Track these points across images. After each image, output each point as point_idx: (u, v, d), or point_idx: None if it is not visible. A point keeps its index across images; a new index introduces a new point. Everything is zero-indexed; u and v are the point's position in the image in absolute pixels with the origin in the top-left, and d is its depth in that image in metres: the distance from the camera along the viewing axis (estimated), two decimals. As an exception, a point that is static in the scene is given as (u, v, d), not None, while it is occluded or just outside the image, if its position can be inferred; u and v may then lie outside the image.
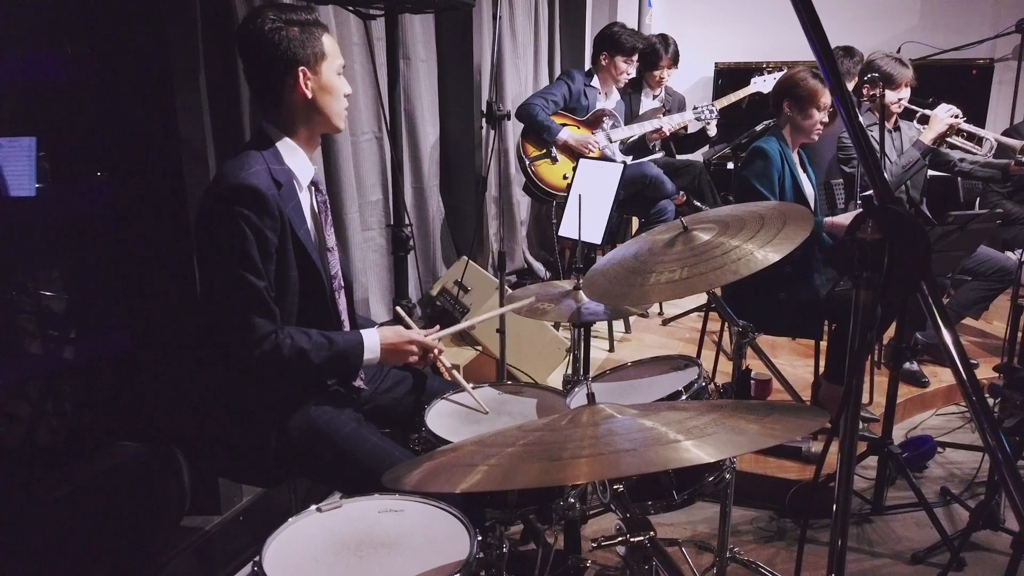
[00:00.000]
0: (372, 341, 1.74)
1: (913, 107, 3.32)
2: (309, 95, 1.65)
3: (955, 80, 5.15)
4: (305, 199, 1.72)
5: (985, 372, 3.42)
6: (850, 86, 3.88)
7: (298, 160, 1.69)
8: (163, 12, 2.09)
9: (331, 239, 1.78)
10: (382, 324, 1.97)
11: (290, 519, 1.33)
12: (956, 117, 3.16)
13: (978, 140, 3.39)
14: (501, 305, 2.47)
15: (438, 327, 1.91)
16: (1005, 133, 4.05)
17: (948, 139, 3.25)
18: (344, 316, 1.81)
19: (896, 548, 2.43)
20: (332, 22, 3.02)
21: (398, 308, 2.24)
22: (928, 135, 3.14)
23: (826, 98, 2.77)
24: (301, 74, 1.62)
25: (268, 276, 1.59)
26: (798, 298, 2.79)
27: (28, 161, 2.14)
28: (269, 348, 1.59)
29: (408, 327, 1.94)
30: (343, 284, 1.82)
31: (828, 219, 2.81)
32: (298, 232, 1.63)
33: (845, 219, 2.73)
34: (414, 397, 1.97)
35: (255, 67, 1.64)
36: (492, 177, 4.30)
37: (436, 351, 1.85)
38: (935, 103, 3.26)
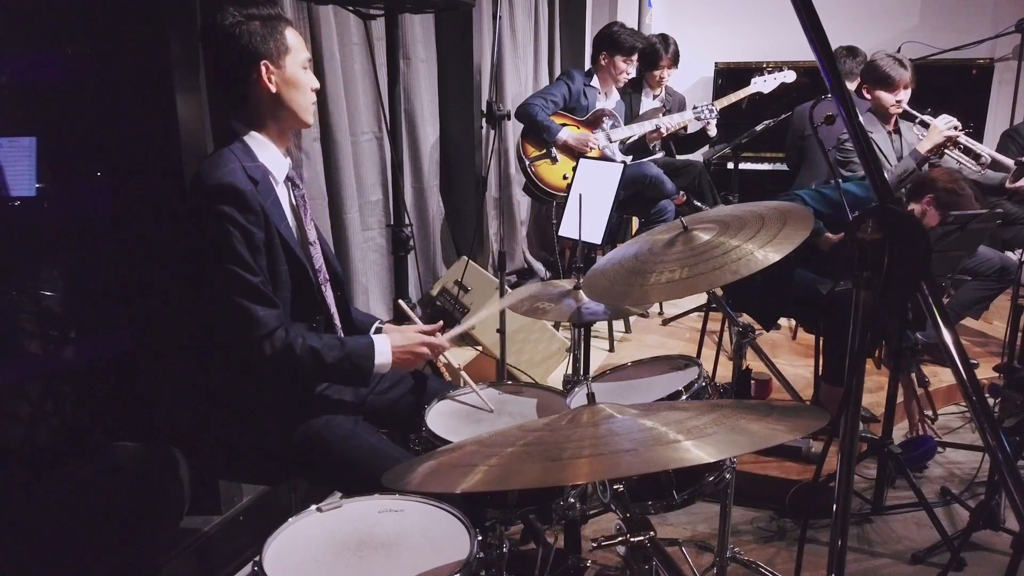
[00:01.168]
0: (383, 346, 1.73)
1: (912, 112, 3.31)
2: (273, 89, 1.64)
3: (955, 80, 5.15)
4: (283, 194, 1.71)
5: (985, 372, 3.42)
6: (852, 86, 3.88)
7: (271, 156, 1.69)
8: (163, 12, 2.09)
9: (312, 233, 1.77)
10: (385, 322, 1.97)
11: (290, 519, 1.33)
12: (955, 129, 3.15)
13: (975, 155, 3.38)
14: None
15: (441, 323, 1.91)
16: (1004, 135, 4.05)
17: (947, 151, 3.24)
18: (333, 309, 1.81)
19: (896, 548, 2.43)
20: (332, 22, 3.02)
21: (400, 302, 2.24)
22: (925, 145, 3.13)
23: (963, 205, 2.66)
24: (264, 68, 1.61)
25: (262, 271, 1.59)
26: (773, 286, 2.78)
27: (28, 161, 2.14)
28: (281, 345, 1.58)
29: (412, 322, 1.94)
30: (328, 277, 1.81)
31: (829, 236, 2.80)
32: (279, 227, 1.63)
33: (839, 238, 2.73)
34: (413, 397, 1.97)
35: (218, 64, 1.64)
36: (492, 177, 4.30)
37: (445, 350, 1.86)
38: (936, 113, 3.25)
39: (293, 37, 1.66)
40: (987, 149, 3.42)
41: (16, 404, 2.23)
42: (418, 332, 1.83)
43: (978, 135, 4.91)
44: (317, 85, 1.73)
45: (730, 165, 4.62)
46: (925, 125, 3.22)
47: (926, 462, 2.89)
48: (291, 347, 1.59)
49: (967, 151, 3.33)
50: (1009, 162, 3.46)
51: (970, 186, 2.73)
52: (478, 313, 2.05)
